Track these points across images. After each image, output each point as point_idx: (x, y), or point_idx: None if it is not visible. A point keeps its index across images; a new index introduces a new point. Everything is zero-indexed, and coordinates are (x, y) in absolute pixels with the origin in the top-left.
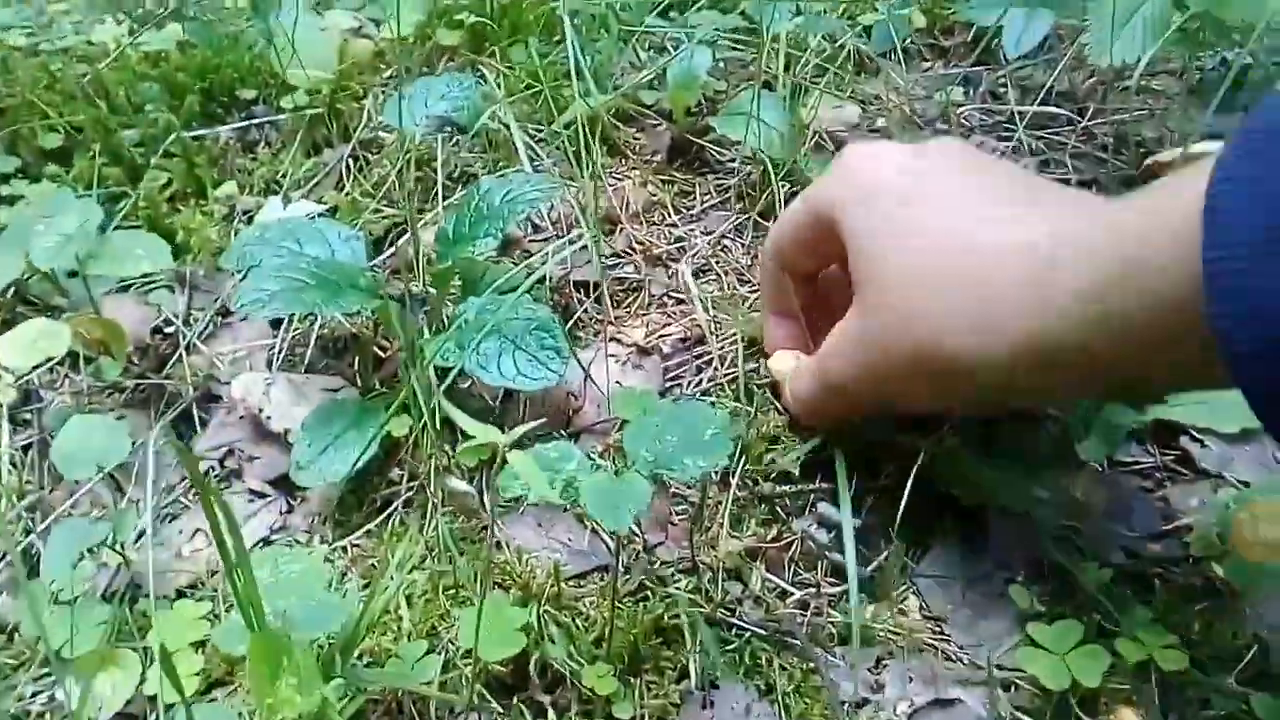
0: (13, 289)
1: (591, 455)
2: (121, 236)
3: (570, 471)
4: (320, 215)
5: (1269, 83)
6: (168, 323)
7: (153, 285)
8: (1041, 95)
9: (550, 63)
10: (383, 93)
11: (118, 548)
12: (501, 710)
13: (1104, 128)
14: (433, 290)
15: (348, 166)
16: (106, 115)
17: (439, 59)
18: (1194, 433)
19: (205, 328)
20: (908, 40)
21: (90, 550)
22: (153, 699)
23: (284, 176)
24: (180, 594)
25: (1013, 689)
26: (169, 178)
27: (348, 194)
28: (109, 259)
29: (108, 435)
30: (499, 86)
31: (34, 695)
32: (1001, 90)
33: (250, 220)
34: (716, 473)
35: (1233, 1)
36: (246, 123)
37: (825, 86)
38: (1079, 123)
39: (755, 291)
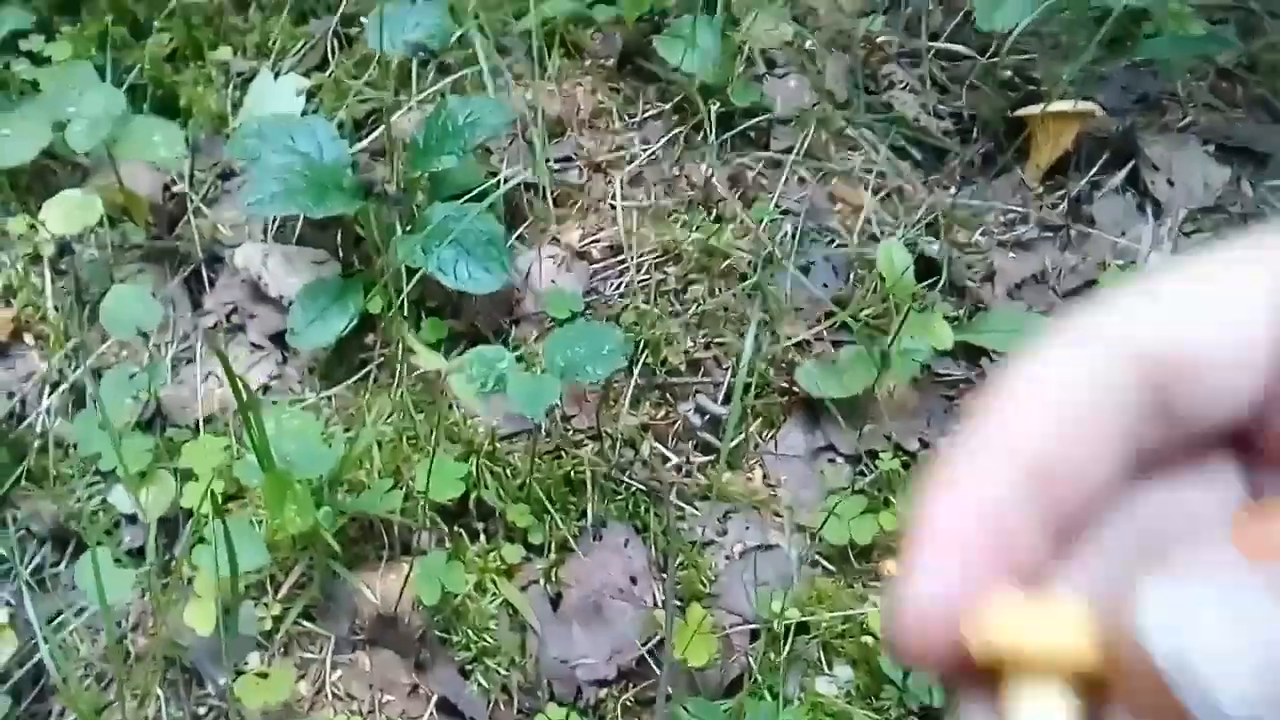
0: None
1: (520, 350)
2: (141, 122)
3: (502, 369)
4: (306, 92)
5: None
6: (175, 182)
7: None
8: (951, 32)
9: None
10: None
11: (151, 390)
12: (447, 531)
13: (1003, 70)
14: (405, 190)
15: (333, 41)
16: None
17: None
18: (993, 355)
19: (208, 190)
20: None
21: (134, 397)
22: (186, 510)
23: (274, 43)
24: (199, 424)
25: (816, 539)
26: (170, 38)
27: (331, 74)
28: (132, 143)
29: (143, 303)
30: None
31: (90, 498)
32: (917, 24)
33: (245, 85)
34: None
35: None
36: None
37: (762, 4)
38: (979, 61)
39: (681, 203)
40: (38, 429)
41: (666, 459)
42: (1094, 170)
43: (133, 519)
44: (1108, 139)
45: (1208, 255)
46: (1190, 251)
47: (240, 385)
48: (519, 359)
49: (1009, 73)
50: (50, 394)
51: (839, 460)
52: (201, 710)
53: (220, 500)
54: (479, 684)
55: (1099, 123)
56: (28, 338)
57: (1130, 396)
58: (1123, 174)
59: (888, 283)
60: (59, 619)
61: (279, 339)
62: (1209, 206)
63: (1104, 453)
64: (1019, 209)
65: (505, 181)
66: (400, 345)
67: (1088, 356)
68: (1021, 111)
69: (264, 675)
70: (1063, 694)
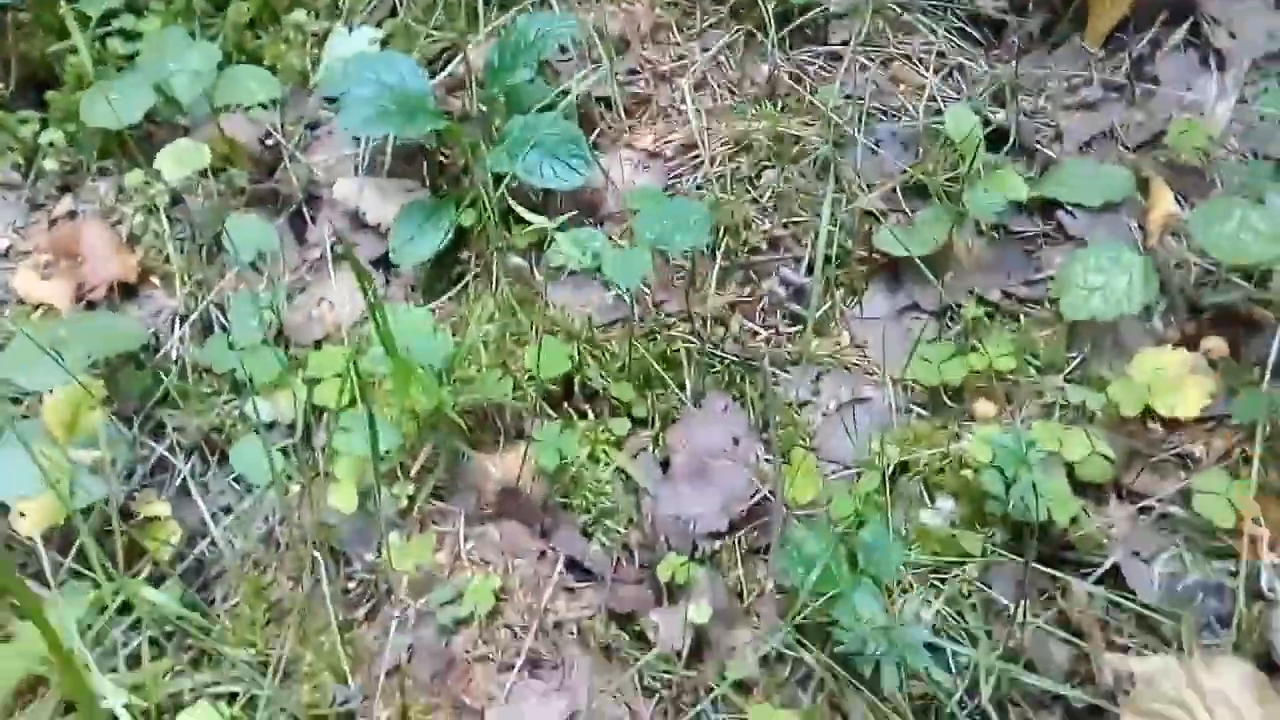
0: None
1: (611, 237)
2: (236, 71)
3: (596, 248)
4: (380, 41)
5: None
6: (269, 135)
7: (251, 105)
8: None
9: None
10: None
11: (273, 310)
12: (555, 415)
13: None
14: (484, 109)
15: None
16: None
17: None
18: (1067, 206)
19: (300, 140)
20: None
21: (258, 318)
22: (317, 409)
23: (343, 3)
24: (317, 344)
25: (909, 389)
26: (248, 6)
27: (402, 20)
28: (230, 90)
29: (261, 229)
30: None
31: (228, 411)
32: None
33: (321, 43)
34: (706, 248)
35: None
36: None
37: None
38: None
39: (740, 101)
40: (173, 357)
41: (755, 333)
42: (1153, 30)
43: (269, 426)
44: None
45: None
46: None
47: (362, 275)
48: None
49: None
50: (181, 326)
51: (924, 316)
52: (351, 585)
53: (349, 399)
54: (601, 543)
55: None
56: (154, 279)
57: None
58: (1183, 30)
59: (957, 142)
60: (211, 517)
61: (379, 263)
62: (1273, 53)
63: None
64: (1081, 73)
65: (576, 92)
66: (495, 249)
67: None
68: None
69: (407, 540)
70: None
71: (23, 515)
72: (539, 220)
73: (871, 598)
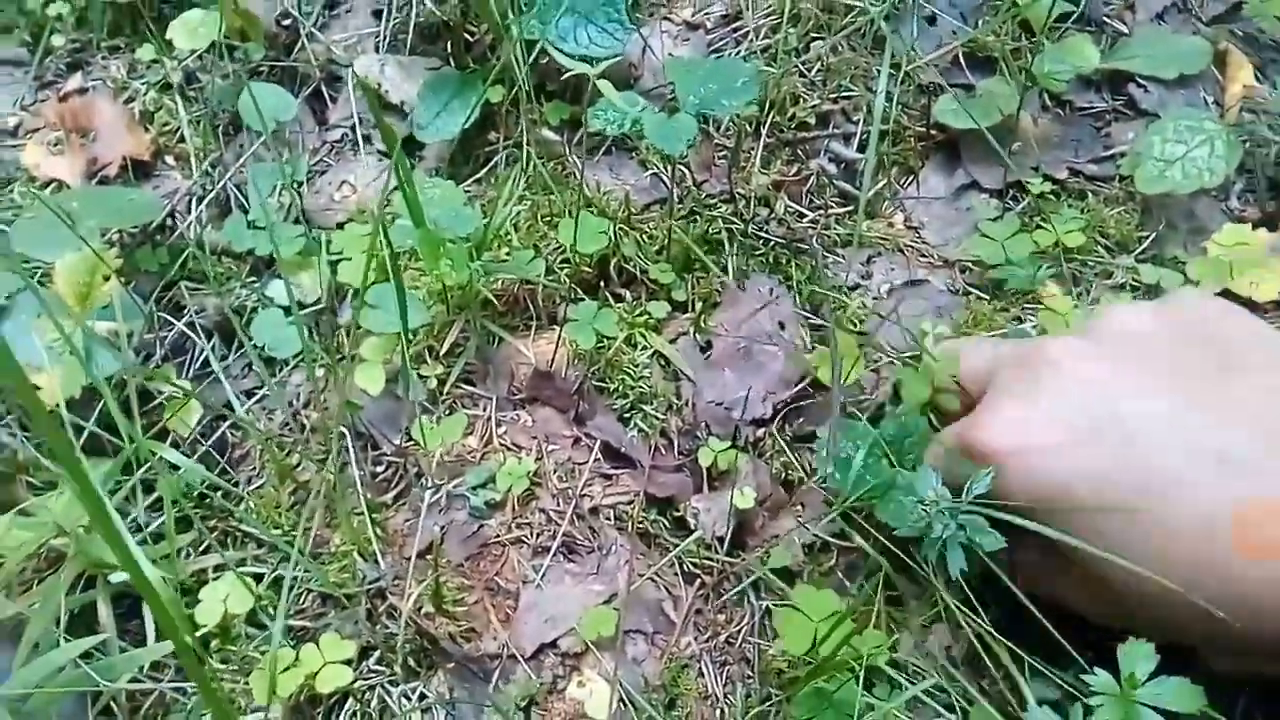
0: None
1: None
2: None
3: (636, 114)
4: None
5: None
6: (285, 15)
7: None
8: None
9: None
10: None
11: (294, 185)
12: (589, 298)
13: None
14: None
15: None
16: None
17: None
18: (1139, 79)
19: (318, 19)
20: None
21: (276, 191)
22: (337, 290)
23: None
24: (340, 225)
25: (966, 271)
26: None
27: None
28: None
29: (277, 97)
30: None
31: (248, 293)
32: None
33: None
34: (750, 122)
35: None
36: None
37: None
38: None
39: None
40: (189, 237)
41: (802, 214)
42: None
43: (289, 309)
44: None
45: None
46: None
47: (390, 135)
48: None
49: None
50: (196, 206)
51: (984, 195)
52: (379, 468)
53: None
54: (639, 429)
55: None
56: (168, 159)
57: None
58: None
59: (1022, 6)
60: (233, 401)
61: (405, 143)
62: None
63: None
64: None
65: None
66: (526, 124)
67: None
68: None
69: (437, 423)
70: None
71: (38, 388)
72: (578, 66)
73: (935, 480)
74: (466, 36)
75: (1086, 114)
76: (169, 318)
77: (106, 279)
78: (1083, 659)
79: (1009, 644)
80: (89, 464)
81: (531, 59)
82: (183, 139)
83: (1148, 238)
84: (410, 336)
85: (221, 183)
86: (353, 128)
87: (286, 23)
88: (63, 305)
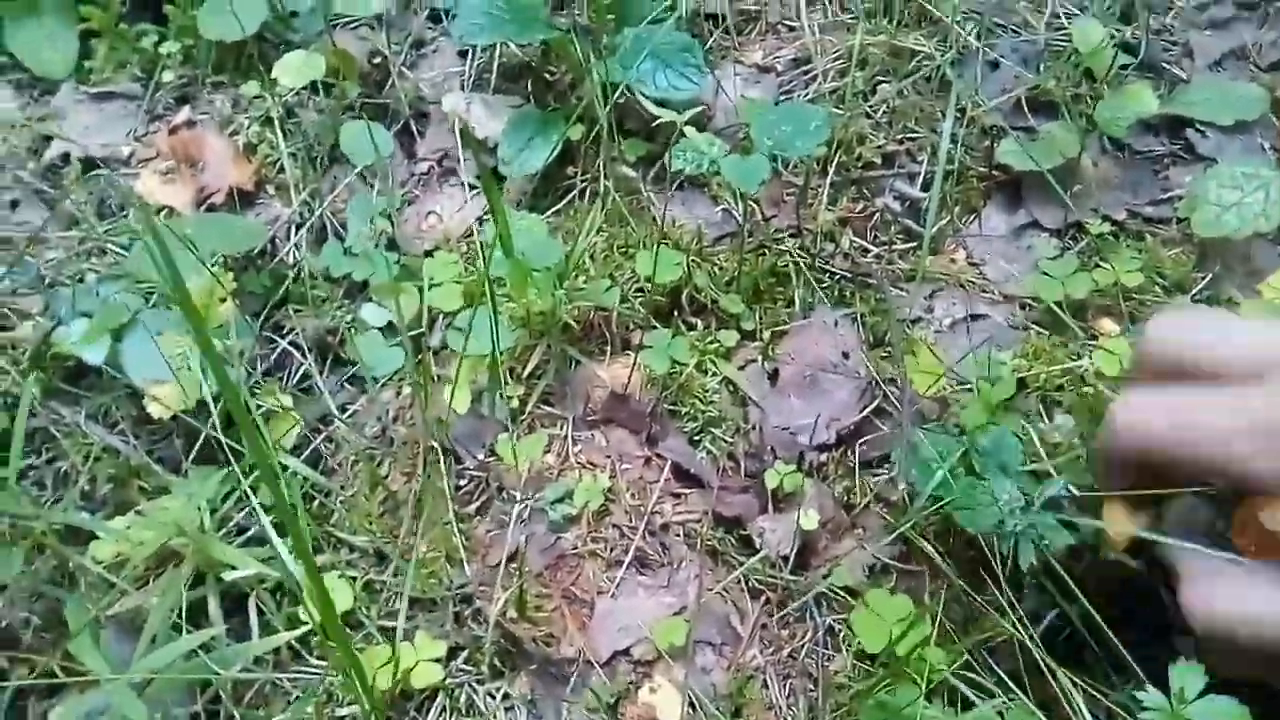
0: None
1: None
2: None
3: (715, 154)
4: None
5: None
6: (376, 54)
7: (357, 24)
8: None
9: None
10: None
11: (387, 215)
12: (662, 326)
13: None
14: (594, 22)
15: None
16: None
17: None
18: (1197, 124)
19: (406, 58)
20: None
21: (370, 220)
22: (428, 313)
23: None
24: (428, 253)
25: (1026, 308)
26: None
27: None
28: (343, 1)
29: (376, 135)
30: None
31: (342, 315)
32: None
33: None
34: (818, 161)
35: None
36: None
37: None
38: None
39: (853, 16)
40: (289, 262)
41: (866, 249)
42: None
43: (383, 331)
44: None
45: None
46: None
47: (487, 171)
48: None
49: None
50: (296, 233)
51: (1044, 234)
52: (462, 482)
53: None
54: (708, 451)
55: None
56: (269, 189)
57: None
58: None
59: (1084, 54)
60: (329, 415)
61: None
62: None
63: None
64: None
65: (684, 7)
66: (605, 160)
67: None
68: None
69: (518, 440)
70: None
71: (155, 400)
72: (667, 114)
73: (1008, 482)
74: (547, 76)
75: (1145, 158)
76: (273, 336)
77: (223, 300)
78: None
79: (1067, 672)
80: (199, 470)
81: (614, 99)
82: (283, 170)
83: (1204, 279)
84: (501, 352)
85: (319, 212)
86: (440, 161)
87: (377, 60)
88: (182, 324)
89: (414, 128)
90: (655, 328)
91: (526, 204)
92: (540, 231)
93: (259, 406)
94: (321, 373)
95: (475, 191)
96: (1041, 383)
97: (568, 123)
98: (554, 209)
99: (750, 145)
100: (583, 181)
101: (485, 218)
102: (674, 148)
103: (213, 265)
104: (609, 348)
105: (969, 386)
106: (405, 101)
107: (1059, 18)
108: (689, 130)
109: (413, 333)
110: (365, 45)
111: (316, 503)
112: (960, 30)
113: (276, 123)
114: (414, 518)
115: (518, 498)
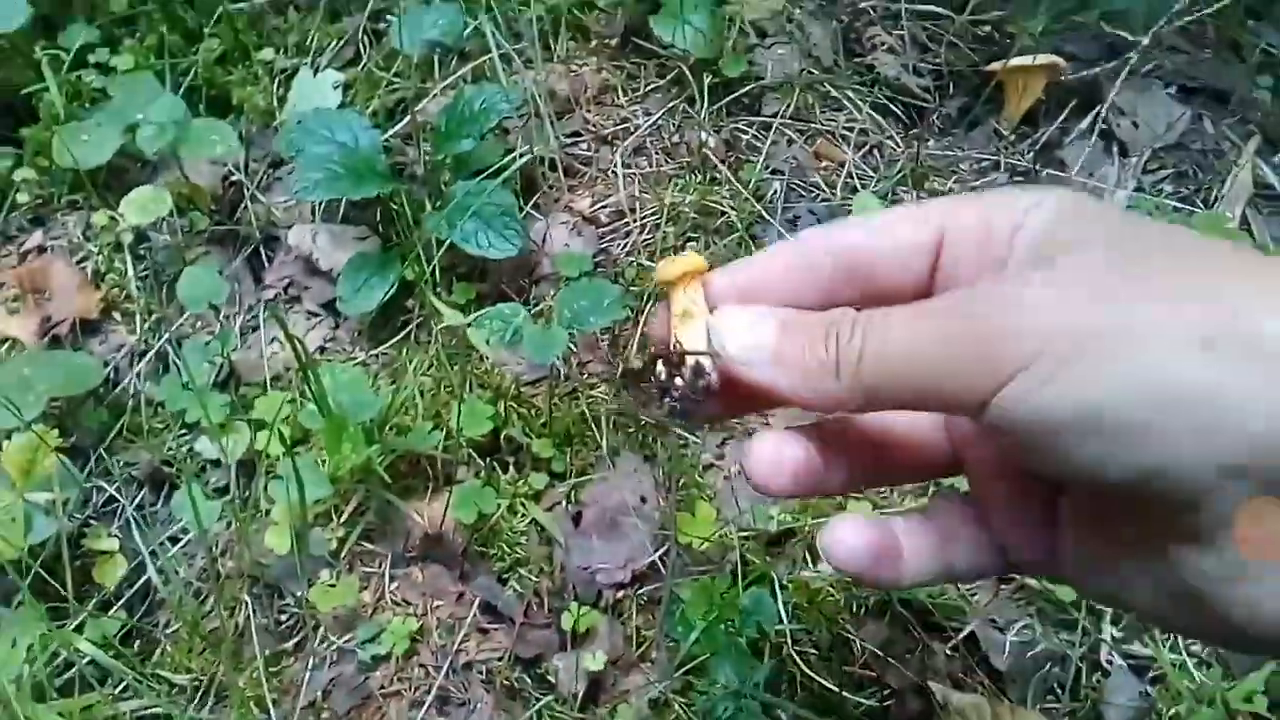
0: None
1: (540, 309)
2: (200, 125)
3: (518, 323)
4: (343, 85)
5: None
6: (232, 173)
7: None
8: None
9: None
10: None
11: (224, 354)
12: (483, 464)
13: (980, 26)
14: (431, 172)
15: (364, 38)
16: None
17: None
18: None
19: (261, 179)
20: None
21: (210, 361)
22: (260, 452)
23: (311, 42)
24: (267, 383)
25: None
26: (219, 42)
27: (364, 67)
28: (193, 143)
29: (212, 281)
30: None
31: (180, 448)
32: None
33: (288, 80)
34: (630, 310)
35: None
36: None
37: None
38: (956, 19)
39: (680, 168)
40: (130, 391)
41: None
42: (1063, 117)
43: (215, 463)
44: (1076, 87)
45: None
46: (1154, 187)
47: (299, 346)
48: (537, 314)
49: (987, 28)
50: (138, 362)
51: None
52: (283, 617)
53: (290, 444)
54: (514, 589)
55: (1069, 71)
56: (115, 315)
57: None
58: (1089, 119)
59: None
60: (158, 548)
61: (331, 306)
62: (1171, 145)
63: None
64: (991, 156)
65: (519, 158)
66: (431, 308)
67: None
68: (993, 65)
69: (333, 585)
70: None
71: None
72: (453, 316)
73: (731, 665)
74: (393, 209)
75: None
76: (102, 483)
77: (47, 456)
78: None
79: None
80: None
81: (438, 255)
82: (129, 297)
83: None
84: (314, 503)
85: (161, 340)
86: (285, 289)
87: (234, 179)
88: (6, 478)
89: (264, 253)
90: (479, 463)
91: (366, 336)
92: (360, 385)
93: (84, 551)
94: (155, 503)
95: (319, 319)
96: (806, 534)
97: (404, 264)
98: (391, 341)
99: (552, 317)
100: (419, 317)
101: (325, 346)
102: (477, 320)
103: (49, 402)
104: (431, 484)
105: (749, 533)
106: (256, 227)
107: (853, 179)
108: (470, 332)
109: (236, 472)
110: (220, 169)
111: (143, 639)
112: (752, 200)
113: (125, 249)
114: (230, 657)
115: (328, 640)
